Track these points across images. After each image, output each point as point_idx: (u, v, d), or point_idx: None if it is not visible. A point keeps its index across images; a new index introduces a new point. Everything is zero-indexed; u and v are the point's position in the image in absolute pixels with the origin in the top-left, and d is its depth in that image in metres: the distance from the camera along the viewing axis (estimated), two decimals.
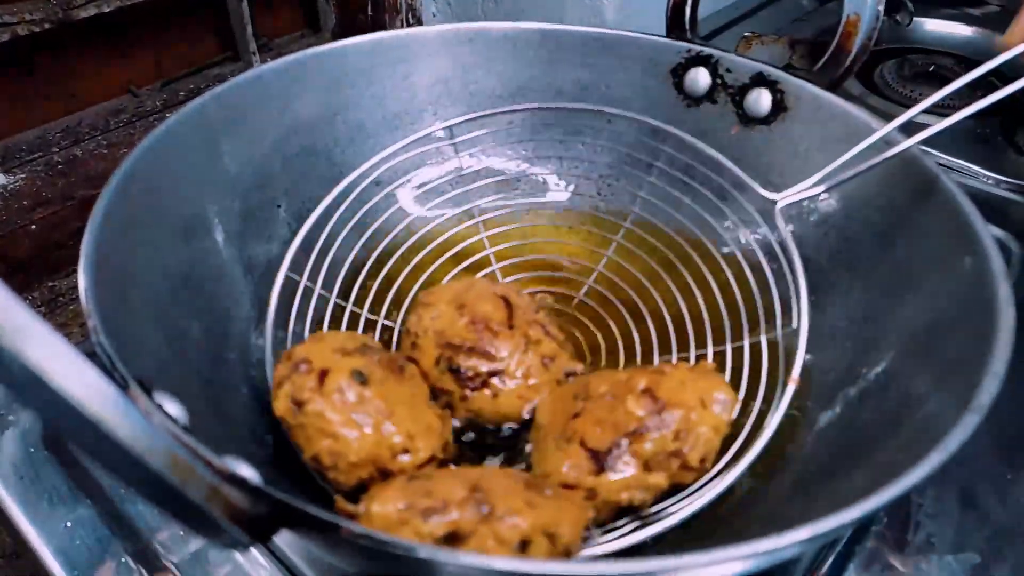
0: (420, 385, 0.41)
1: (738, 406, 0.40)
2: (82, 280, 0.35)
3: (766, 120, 0.49)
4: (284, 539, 0.40)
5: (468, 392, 0.41)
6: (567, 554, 0.33)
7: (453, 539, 0.31)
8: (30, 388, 0.21)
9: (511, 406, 0.41)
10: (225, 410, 0.39)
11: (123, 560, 0.42)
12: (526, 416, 0.42)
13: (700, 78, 0.52)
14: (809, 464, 0.40)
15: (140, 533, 0.43)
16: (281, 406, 0.36)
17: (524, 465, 0.42)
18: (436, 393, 0.42)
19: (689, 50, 0.52)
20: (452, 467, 0.40)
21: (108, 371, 0.31)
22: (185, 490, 0.23)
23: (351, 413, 0.36)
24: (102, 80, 0.94)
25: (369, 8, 1.05)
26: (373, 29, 1.10)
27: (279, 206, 0.51)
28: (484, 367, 0.41)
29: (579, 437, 0.37)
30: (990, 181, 0.67)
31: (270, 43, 1.06)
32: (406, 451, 0.36)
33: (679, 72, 0.52)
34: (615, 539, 0.36)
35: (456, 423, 0.42)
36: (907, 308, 0.43)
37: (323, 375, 0.36)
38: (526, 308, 0.45)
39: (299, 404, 0.36)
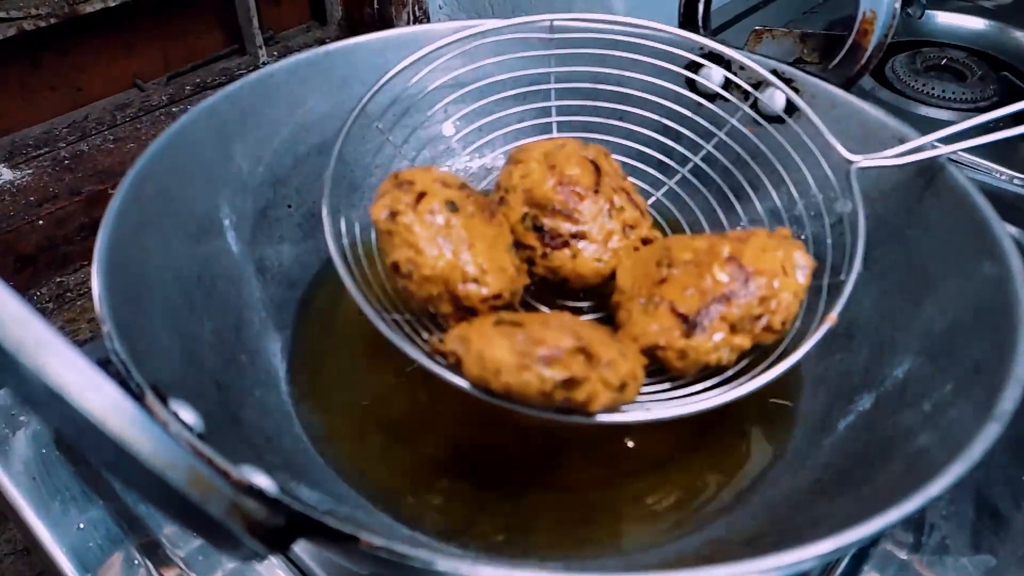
0: (505, 232, 0.43)
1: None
2: (96, 285, 0.35)
3: (780, 119, 0.48)
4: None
5: (549, 250, 0.43)
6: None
7: (570, 385, 0.33)
8: (50, 405, 0.21)
9: (588, 267, 0.43)
10: (238, 415, 0.39)
11: (132, 557, 0.42)
12: (601, 278, 0.44)
13: (713, 75, 0.52)
14: (827, 470, 0.40)
15: (149, 530, 0.43)
16: (378, 211, 0.39)
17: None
18: (519, 247, 0.44)
19: (703, 47, 0.51)
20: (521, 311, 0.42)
21: (123, 378, 0.31)
22: (206, 505, 0.23)
23: (436, 234, 0.39)
24: (108, 74, 0.93)
25: (375, 1, 1.04)
26: (380, 22, 1.09)
27: (290, 206, 0.50)
28: (567, 228, 0.43)
29: (668, 302, 0.39)
30: (1004, 177, 0.66)
31: (276, 36, 1.05)
32: (476, 281, 0.39)
33: (693, 69, 0.51)
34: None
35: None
36: (924, 310, 0.42)
37: (421, 196, 0.39)
38: (614, 174, 0.46)
39: (394, 214, 0.39)
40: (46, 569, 0.44)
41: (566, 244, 0.43)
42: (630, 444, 0.44)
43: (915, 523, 0.45)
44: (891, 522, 0.28)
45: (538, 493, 0.41)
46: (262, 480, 0.30)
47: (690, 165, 0.51)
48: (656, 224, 0.48)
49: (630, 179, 0.48)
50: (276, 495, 0.28)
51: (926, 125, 0.74)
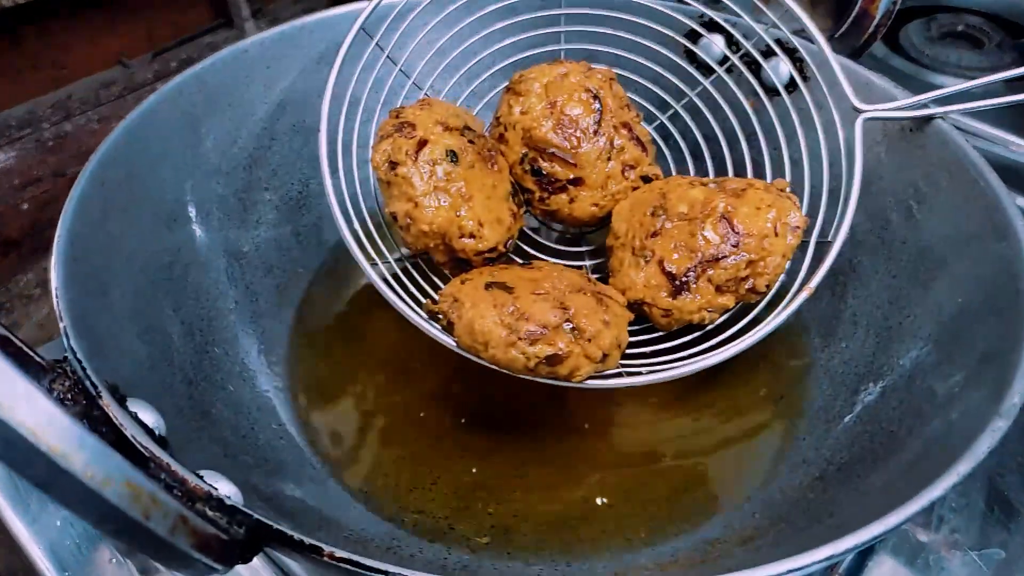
0: (504, 180, 0.43)
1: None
2: (54, 279, 0.33)
3: (785, 90, 0.46)
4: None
5: (546, 195, 0.44)
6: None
7: (553, 360, 0.35)
8: None
9: (585, 212, 0.44)
10: (209, 412, 0.37)
11: (111, 556, 0.41)
12: (598, 221, 0.45)
13: (714, 45, 0.49)
14: (829, 466, 0.38)
15: None
16: (378, 159, 0.39)
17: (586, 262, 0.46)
18: (517, 188, 0.44)
19: (702, 15, 0.48)
20: (519, 263, 0.43)
21: (80, 378, 0.29)
22: (149, 523, 0.21)
23: (435, 187, 0.39)
24: (92, 51, 0.90)
25: None
26: None
27: (267, 189, 0.48)
28: (565, 173, 0.43)
29: (658, 258, 0.40)
30: (1021, 150, 0.63)
31: (264, 8, 1.02)
32: (472, 236, 0.39)
33: (692, 39, 0.49)
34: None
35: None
36: (933, 294, 0.40)
37: (421, 145, 0.39)
38: (617, 107, 0.45)
39: (393, 164, 0.39)
40: (22, 568, 0.43)
41: (564, 189, 0.44)
42: (623, 441, 0.43)
43: (923, 516, 0.43)
44: (891, 527, 0.27)
45: (523, 492, 0.40)
46: (225, 487, 0.29)
47: (699, 88, 0.49)
48: (659, 152, 0.48)
49: (635, 99, 0.47)
50: (237, 504, 0.26)
51: (948, 97, 0.71)
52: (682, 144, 0.49)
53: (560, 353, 0.35)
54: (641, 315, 0.41)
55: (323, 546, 0.25)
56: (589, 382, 0.37)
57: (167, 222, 0.41)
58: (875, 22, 0.51)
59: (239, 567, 0.39)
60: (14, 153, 0.80)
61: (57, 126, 0.84)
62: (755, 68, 0.47)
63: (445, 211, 0.39)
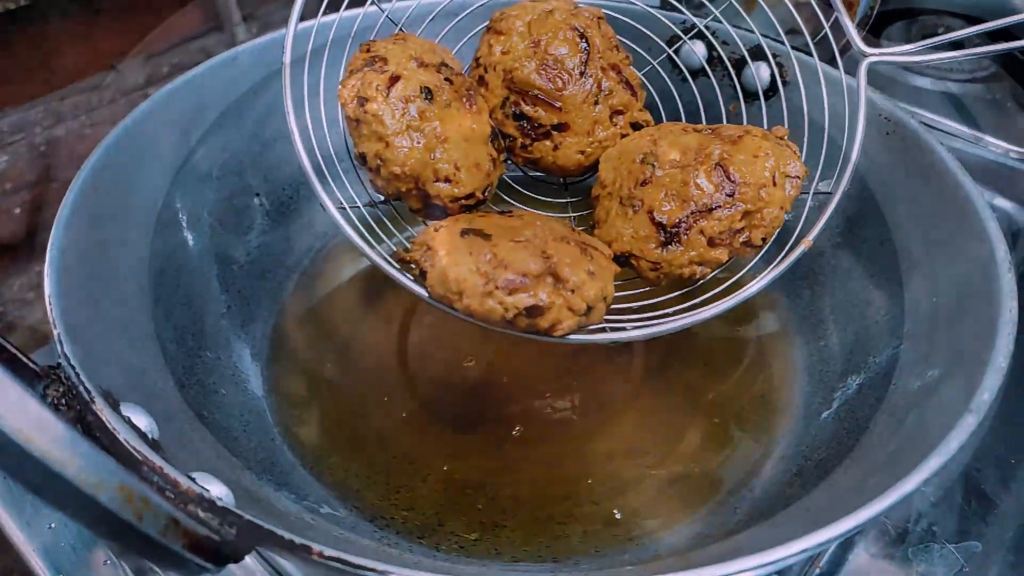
0: (483, 122, 0.39)
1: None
2: (47, 286, 0.33)
3: (765, 95, 0.47)
4: None
5: (529, 141, 0.41)
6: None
7: (534, 312, 0.32)
8: None
9: (570, 160, 0.41)
10: (202, 414, 0.38)
11: (105, 558, 0.42)
12: (583, 170, 0.42)
13: (697, 51, 0.50)
14: (808, 459, 0.39)
15: None
16: (346, 95, 0.36)
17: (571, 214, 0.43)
18: (497, 134, 0.41)
19: (684, 21, 0.49)
20: (498, 212, 0.39)
21: (73, 384, 0.30)
22: (141, 525, 0.22)
23: (408, 126, 0.36)
24: (83, 55, 0.91)
25: None
26: None
27: (257, 194, 0.49)
28: (548, 118, 0.40)
29: (647, 207, 0.37)
30: (999, 150, 0.64)
31: (255, 13, 1.02)
32: (448, 180, 0.36)
33: (674, 45, 0.49)
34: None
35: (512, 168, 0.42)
36: (909, 294, 0.41)
37: (393, 80, 0.36)
38: (605, 47, 0.42)
39: (363, 101, 0.36)
40: (16, 570, 0.43)
41: (548, 135, 0.41)
42: (609, 440, 0.43)
43: (902, 510, 0.44)
44: (863, 521, 0.27)
45: (513, 489, 0.41)
46: (216, 488, 0.29)
47: (695, 31, 0.47)
48: (649, 97, 0.45)
49: (625, 42, 0.44)
50: (228, 506, 0.27)
51: (922, 97, 0.72)
52: (673, 90, 0.47)
53: (541, 304, 0.32)
54: (628, 268, 0.38)
55: (313, 545, 0.25)
56: (571, 337, 0.34)
57: (159, 228, 0.42)
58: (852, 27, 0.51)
59: (231, 566, 0.40)
60: (6, 157, 0.81)
61: (49, 130, 0.84)
62: (738, 71, 0.48)
63: (419, 152, 0.36)
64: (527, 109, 0.40)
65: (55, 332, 0.32)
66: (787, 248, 0.38)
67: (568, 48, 0.40)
